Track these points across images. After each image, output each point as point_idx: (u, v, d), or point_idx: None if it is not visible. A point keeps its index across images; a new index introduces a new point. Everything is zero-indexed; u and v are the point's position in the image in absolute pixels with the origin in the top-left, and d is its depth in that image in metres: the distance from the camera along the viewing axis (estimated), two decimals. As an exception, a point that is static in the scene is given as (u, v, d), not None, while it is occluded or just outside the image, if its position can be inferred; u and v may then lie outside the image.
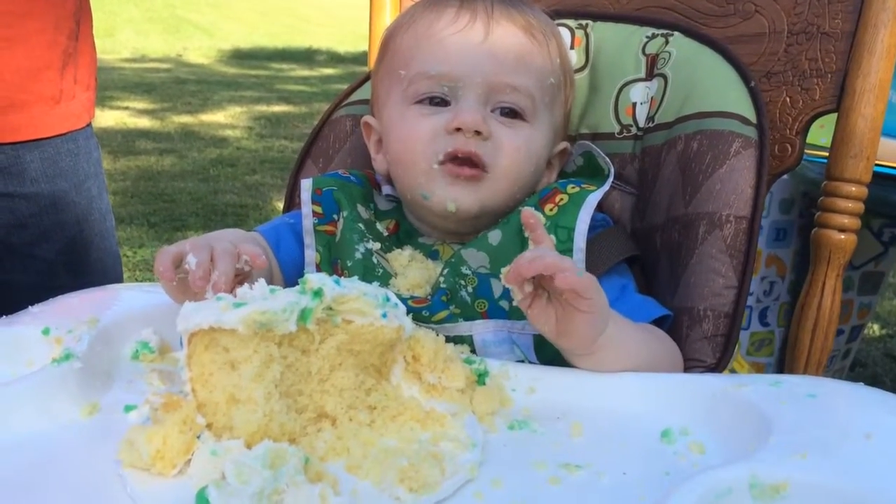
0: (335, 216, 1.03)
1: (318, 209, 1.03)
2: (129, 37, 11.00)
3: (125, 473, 0.66)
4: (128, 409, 0.76)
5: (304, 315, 0.70)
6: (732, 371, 2.04)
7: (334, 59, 10.90)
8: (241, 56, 10.74)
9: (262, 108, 7.12)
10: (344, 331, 0.74)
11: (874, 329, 3.13)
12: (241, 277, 0.84)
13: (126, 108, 6.72)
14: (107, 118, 6.26)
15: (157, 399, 0.69)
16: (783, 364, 1.19)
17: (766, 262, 2.25)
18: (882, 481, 0.62)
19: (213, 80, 8.57)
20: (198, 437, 0.67)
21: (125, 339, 0.89)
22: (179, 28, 11.93)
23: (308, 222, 1.02)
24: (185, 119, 6.52)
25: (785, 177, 2.12)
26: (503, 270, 0.81)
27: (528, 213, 0.86)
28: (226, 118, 6.66)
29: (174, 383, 0.82)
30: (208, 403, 0.68)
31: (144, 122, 6.33)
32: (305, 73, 9.82)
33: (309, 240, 1.02)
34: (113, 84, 7.71)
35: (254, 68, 9.84)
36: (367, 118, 1.11)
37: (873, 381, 2.78)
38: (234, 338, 0.68)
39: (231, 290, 0.78)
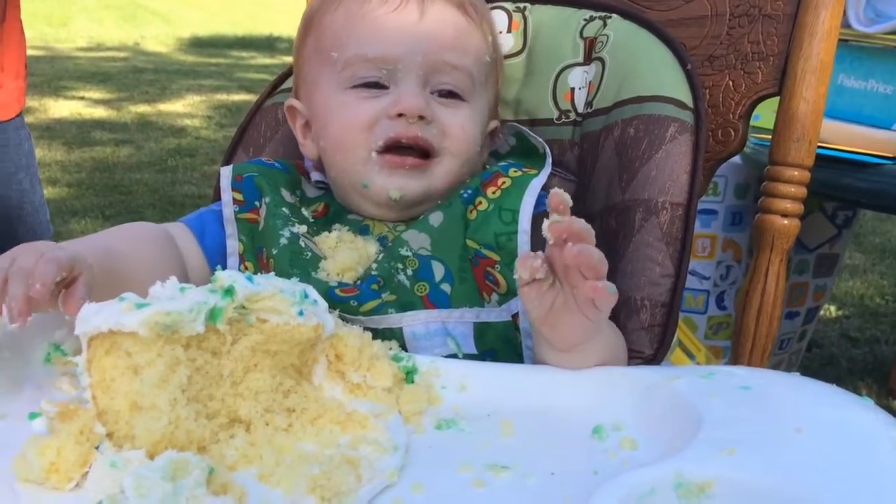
0: (257, 203, 0.99)
1: (239, 196, 0.99)
2: (84, 25, 10.73)
3: (19, 488, 0.62)
4: (32, 416, 0.71)
5: (213, 315, 0.66)
6: (690, 356, 2.03)
7: (296, 46, 10.72)
8: (200, 44, 10.53)
9: (222, 97, 6.98)
10: (258, 330, 0.70)
11: (830, 310, 3.15)
12: (64, 283, 0.73)
13: (81, 98, 6.55)
14: (61, 108, 6.10)
15: (51, 408, 0.65)
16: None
17: (723, 247, 2.24)
18: (809, 477, 0.59)
19: (172, 69, 8.39)
20: (96, 448, 0.63)
21: (37, 341, 0.84)
22: (136, 15, 11.66)
23: (228, 210, 0.98)
24: (143, 109, 6.37)
25: (739, 161, 2.12)
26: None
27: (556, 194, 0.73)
28: (184, 107, 6.53)
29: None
30: (109, 411, 0.64)
31: (100, 112, 6.18)
32: (266, 61, 9.65)
33: (231, 229, 0.98)
34: (68, 74, 7.52)
35: (213, 56, 9.65)
36: (292, 101, 1.06)
37: (829, 362, 2.80)
38: (137, 341, 0.64)
39: (28, 312, 0.69)
